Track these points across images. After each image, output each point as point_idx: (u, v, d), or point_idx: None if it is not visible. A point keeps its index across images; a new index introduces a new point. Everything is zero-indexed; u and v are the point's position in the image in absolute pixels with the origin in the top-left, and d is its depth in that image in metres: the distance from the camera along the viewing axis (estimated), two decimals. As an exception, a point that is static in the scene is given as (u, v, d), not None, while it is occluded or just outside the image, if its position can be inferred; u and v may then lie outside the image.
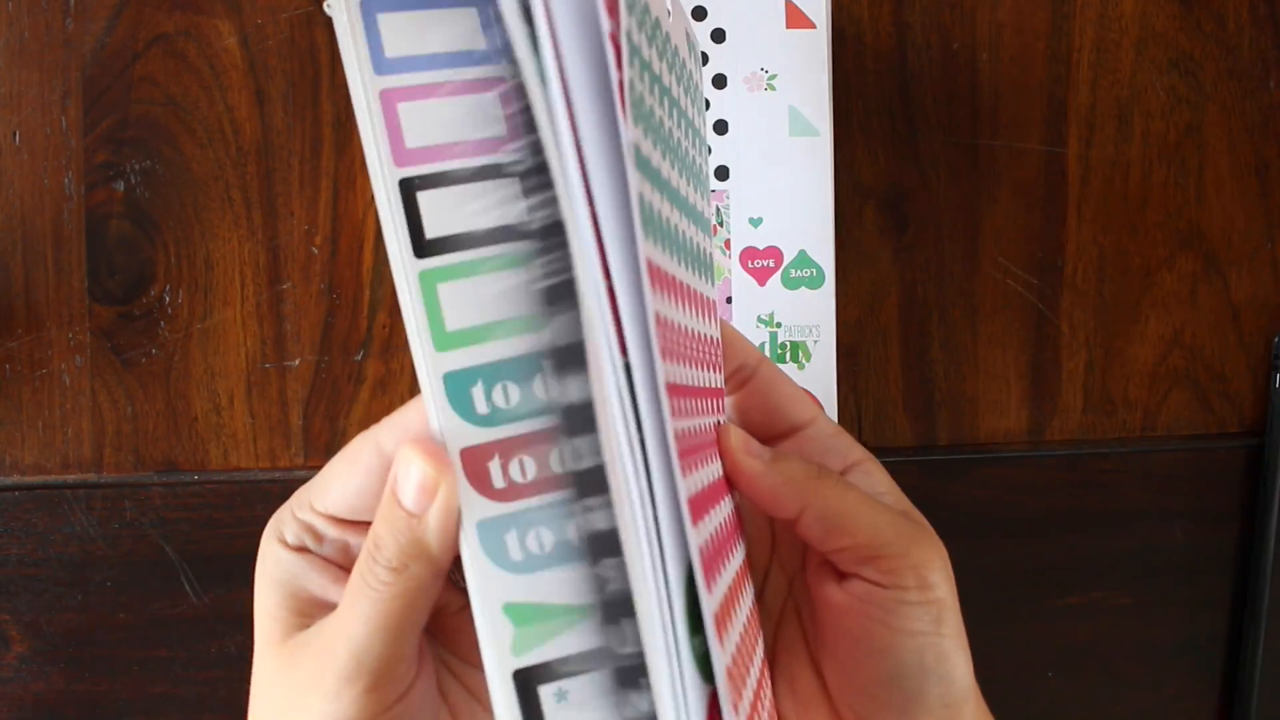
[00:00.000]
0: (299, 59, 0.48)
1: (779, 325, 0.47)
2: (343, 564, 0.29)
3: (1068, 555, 0.53)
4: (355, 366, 0.49)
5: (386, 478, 0.27)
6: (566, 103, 0.22)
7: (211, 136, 0.48)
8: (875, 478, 0.33)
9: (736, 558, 0.29)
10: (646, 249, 0.22)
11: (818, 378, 0.48)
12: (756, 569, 0.34)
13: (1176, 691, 0.54)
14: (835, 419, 0.47)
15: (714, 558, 0.24)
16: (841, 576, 0.31)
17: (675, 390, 0.23)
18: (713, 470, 0.28)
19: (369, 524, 0.28)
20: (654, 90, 0.24)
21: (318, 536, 0.29)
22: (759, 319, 0.47)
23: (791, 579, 0.34)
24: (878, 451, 0.52)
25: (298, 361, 0.49)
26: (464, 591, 0.29)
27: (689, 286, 0.27)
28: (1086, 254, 0.52)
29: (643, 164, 0.22)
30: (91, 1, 0.47)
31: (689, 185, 0.29)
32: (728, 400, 0.34)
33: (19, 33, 0.47)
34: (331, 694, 0.25)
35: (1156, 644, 0.54)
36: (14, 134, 0.47)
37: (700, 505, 0.24)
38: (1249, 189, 0.53)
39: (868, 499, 0.30)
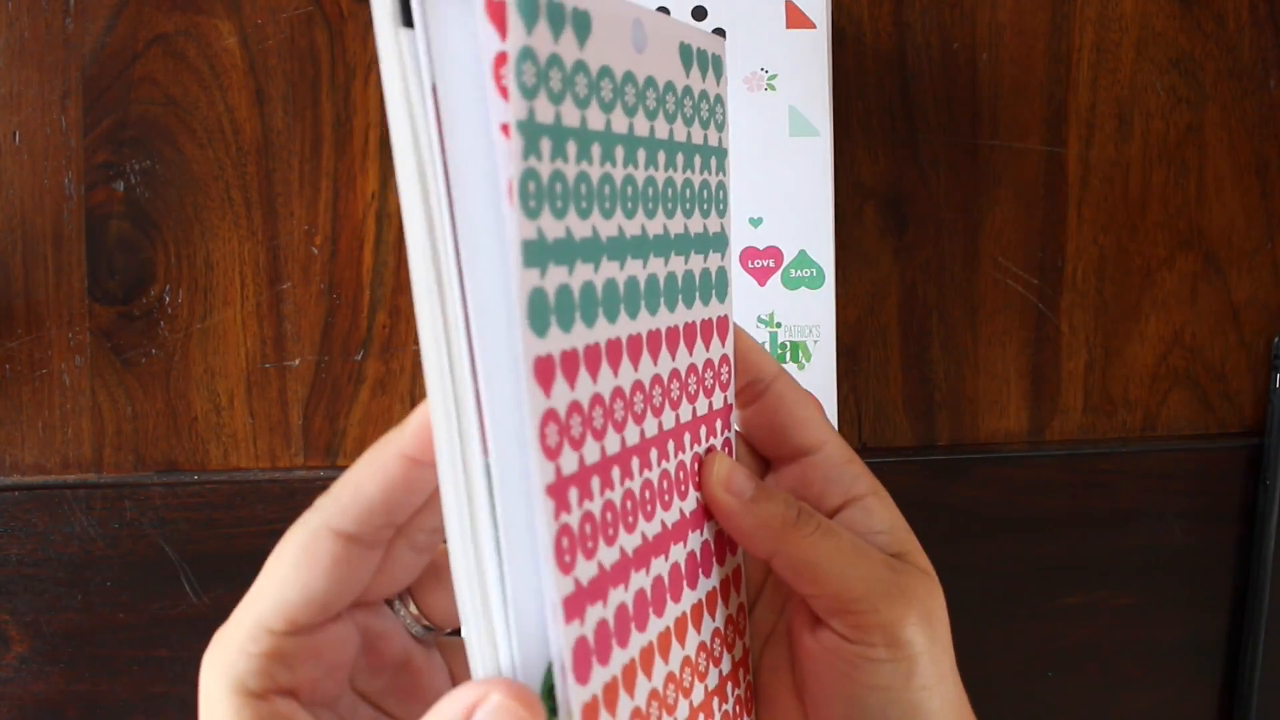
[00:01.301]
0: (299, 59, 0.48)
1: (779, 325, 0.47)
2: (315, 699, 0.27)
3: (1068, 555, 0.53)
4: (355, 366, 0.49)
5: (353, 564, 0.25)
6: (448, 196, 0.22)
7: (211, 136, 0.48)
8: (875, 515, 0.31)
9: (675, 607, 0.28)
10: (555, 342, 0.22)
11: (818, 378, 0.48)
12: (752, 584, 0.34)
13: (1176, 691, 0.54)
14: (835, 419, 0.47)
15: (608, 636, 0.24)
16: (815, 622, 0.30)
17: (599, 467, 0.24)
18: (669, 514, 0.28)
19: (333, 622, 0.26)
20: (591, 154, 0.24)
21: (286, 662, 0.26)
22: (759, 319, 0.47)
23: (786, 600, 0.33)
24: (878, 452, 0.52)
25: (298, 361, 0.49)
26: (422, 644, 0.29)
27: (657, 331, 0.27)
28: (1086, 254, 0.52)
29: (559, 250, 0.22)
30: (91, 1, 0.47)
31: (673, 216, 0.28)
32: (738, 414, 0.33)
33: (19, 33, 0.47)
34: None
35: (1156, 644, 0.54)
36: (14, 134, 0.47)
37: (617, 573, 0.24)
38: (1249, 189, 0.53)
39: (846, 549, 0.29)
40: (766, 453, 0.33)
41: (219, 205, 0.48)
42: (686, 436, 0.29)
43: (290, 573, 0.26)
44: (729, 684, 0.31)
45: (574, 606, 0.23)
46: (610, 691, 0.24)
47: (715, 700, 0.30)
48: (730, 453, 0.32)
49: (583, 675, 0.23)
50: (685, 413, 0.29)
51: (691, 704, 0.28)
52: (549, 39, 0.22)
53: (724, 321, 0.31)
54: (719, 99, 0.31)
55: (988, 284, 0.52)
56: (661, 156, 0.27)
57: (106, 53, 0.47)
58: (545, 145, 0.22)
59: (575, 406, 0.23)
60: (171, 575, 0.49)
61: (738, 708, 0.31)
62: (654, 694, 0.26)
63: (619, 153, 0.25)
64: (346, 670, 0.27)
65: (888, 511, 0.31)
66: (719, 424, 0.31)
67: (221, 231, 0.48)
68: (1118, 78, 0.51)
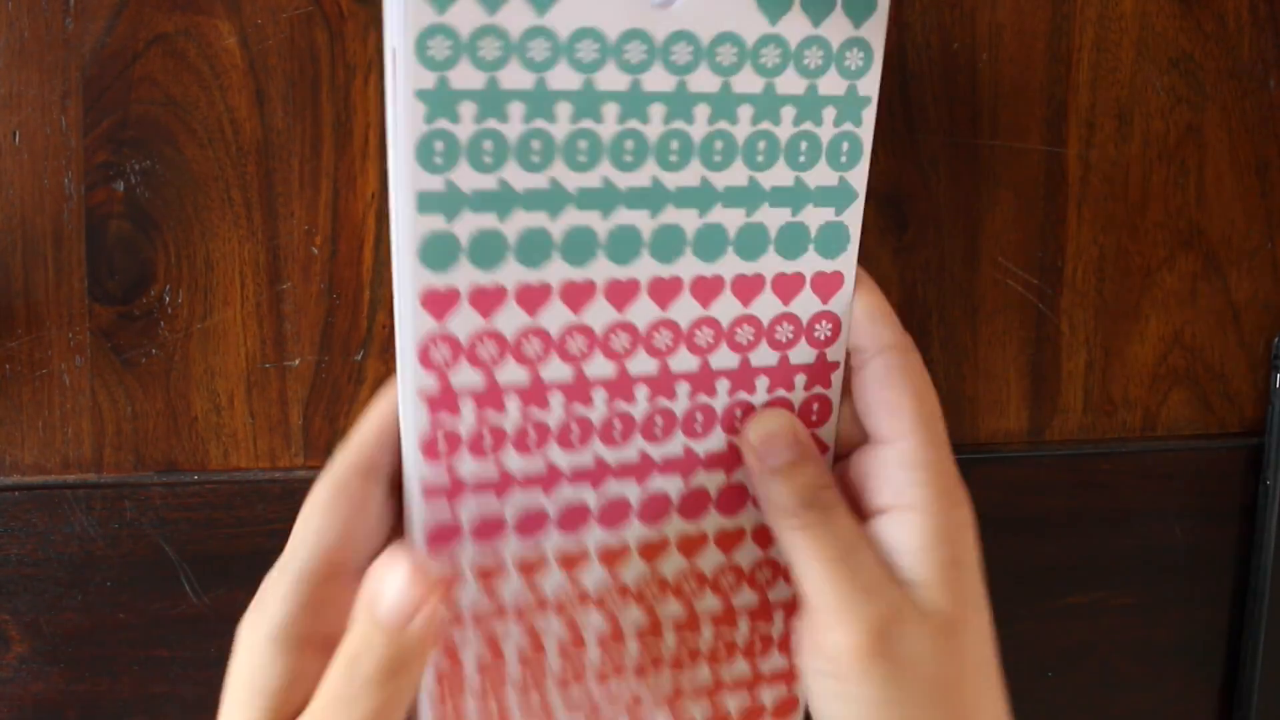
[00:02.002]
0: (299, 59, 0.48)
1: (779, 325, 0.47)
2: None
3: (1068, 555, 0.53)
4: (355, 366, 0.49)
5: (362, 501, 0.27)
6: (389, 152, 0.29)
7: (211, 136, 0.48)
8: (907, 533, 0.29)
9: (646, 529, 0.32)
10: (455, 278, 0.29)
11: (818, 378, 0.48)
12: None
13: (1176, 691, 0.54)
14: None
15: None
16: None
17: (507, 393, 0.31)
18: (659, 448, 0.31)
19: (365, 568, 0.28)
20: (554, 113, 0.27)
21: (315, 609, 0.28)
22: (759, 319, 0.48)
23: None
24: (878, 451, 0.52)
25: (298, 361, 0.49)
26: None
27: (624, 281, 0.30)
28: (1086, 254, 0.52)
29: (475, 200, 0.28)
30: (91, 1, 0.47)
31: (724, 169, 0.30)
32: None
33: (19, 33, 0.47)
34: None
35: (1156, 644, 0.54)
36: (14, 134, 0.47)
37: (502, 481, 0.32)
38: (1249, 189, 0.53)
39: (828, 557, 0.27)
40: (850, 426, 0.31)
41: (219, 205, 0.48)
42: (722, 382, 0.31)
43: (316, 517, 0.29)
44: (723, 626, 0.33)
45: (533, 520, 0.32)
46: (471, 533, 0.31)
47: (706, 626, 0.32)
48: (829, 412, 0.31)
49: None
50: (724, 359, 0.31)
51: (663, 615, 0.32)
52: (480, 14, 0.26)
53: (822, 278, 0.33)
54: (851, 43, 0.31)
55: (988, 284, 0.52)
56: (697, 107, 0.29)
57: (106, 53, 0.47)
58: (466, 108, 0.27)
59: (492, 333, 0.30)
60: (171, 575, 0.49)
61: (725, 649, 0.33)
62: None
63: (611, 110, 0.28)
64: None
65: (925, 534, 0.29)
66: (801, 379, 0.32)
67: (221, 231, 0.48)
68: (1118, 78, 0.51)
